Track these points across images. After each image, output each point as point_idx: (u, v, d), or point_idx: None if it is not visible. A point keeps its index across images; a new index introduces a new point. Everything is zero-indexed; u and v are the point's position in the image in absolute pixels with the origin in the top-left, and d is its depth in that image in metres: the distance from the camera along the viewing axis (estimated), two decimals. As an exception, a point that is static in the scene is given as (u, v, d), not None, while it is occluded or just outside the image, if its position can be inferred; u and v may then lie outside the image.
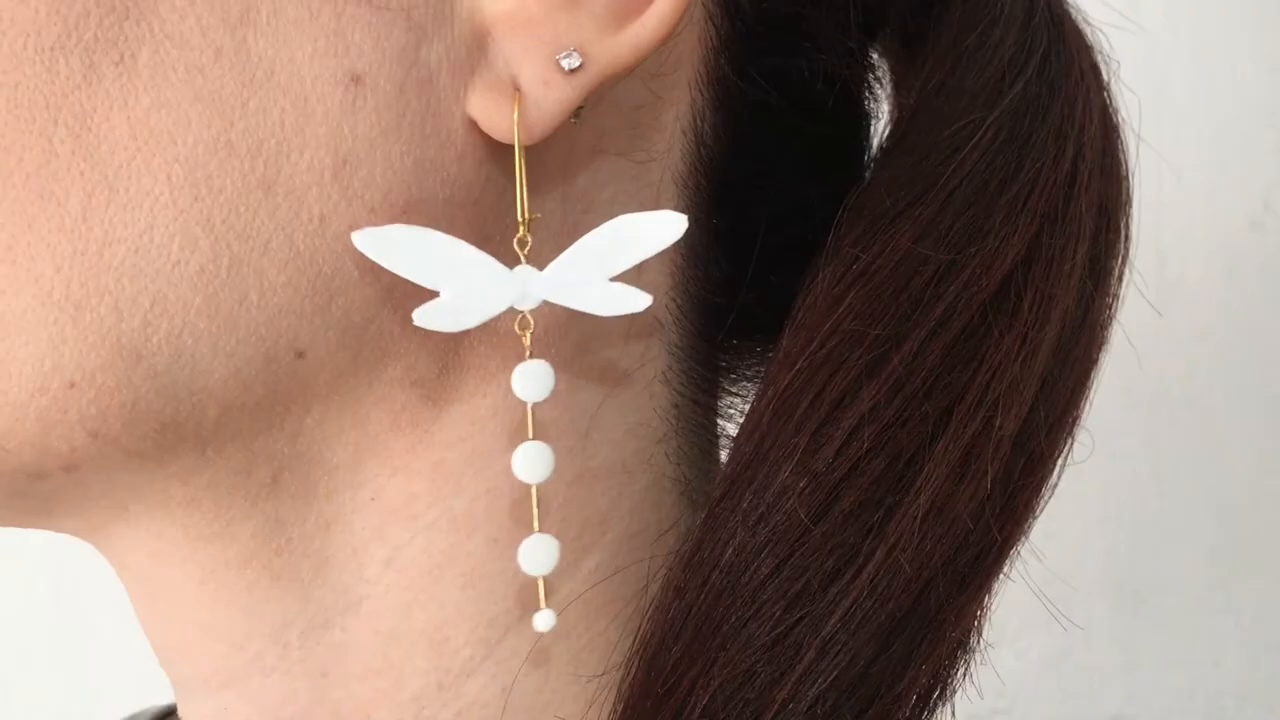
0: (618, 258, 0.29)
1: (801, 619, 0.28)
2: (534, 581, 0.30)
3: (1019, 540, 0.30)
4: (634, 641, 0.30)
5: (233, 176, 0.26)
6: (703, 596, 0.28)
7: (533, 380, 0.29)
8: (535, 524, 0.30)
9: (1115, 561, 0.82)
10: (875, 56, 0.36)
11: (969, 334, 0.29)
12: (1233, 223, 0.80)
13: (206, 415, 0.28)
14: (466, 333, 0.30)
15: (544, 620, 0.30)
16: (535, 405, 0.29)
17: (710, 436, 0.36)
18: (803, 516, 0.28)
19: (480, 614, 0.31)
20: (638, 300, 0.30)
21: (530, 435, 0.29)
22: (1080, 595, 0.81)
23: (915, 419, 0.28)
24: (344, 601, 0.31)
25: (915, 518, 0.28)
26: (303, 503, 0.30)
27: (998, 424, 0.29)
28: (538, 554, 0.30)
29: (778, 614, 0.28)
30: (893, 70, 0.36)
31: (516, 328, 0.29)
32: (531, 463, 0.29)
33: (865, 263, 0.30)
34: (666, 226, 0.29)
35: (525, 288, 0.29)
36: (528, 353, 0.29)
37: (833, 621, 0.28)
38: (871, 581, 0.28)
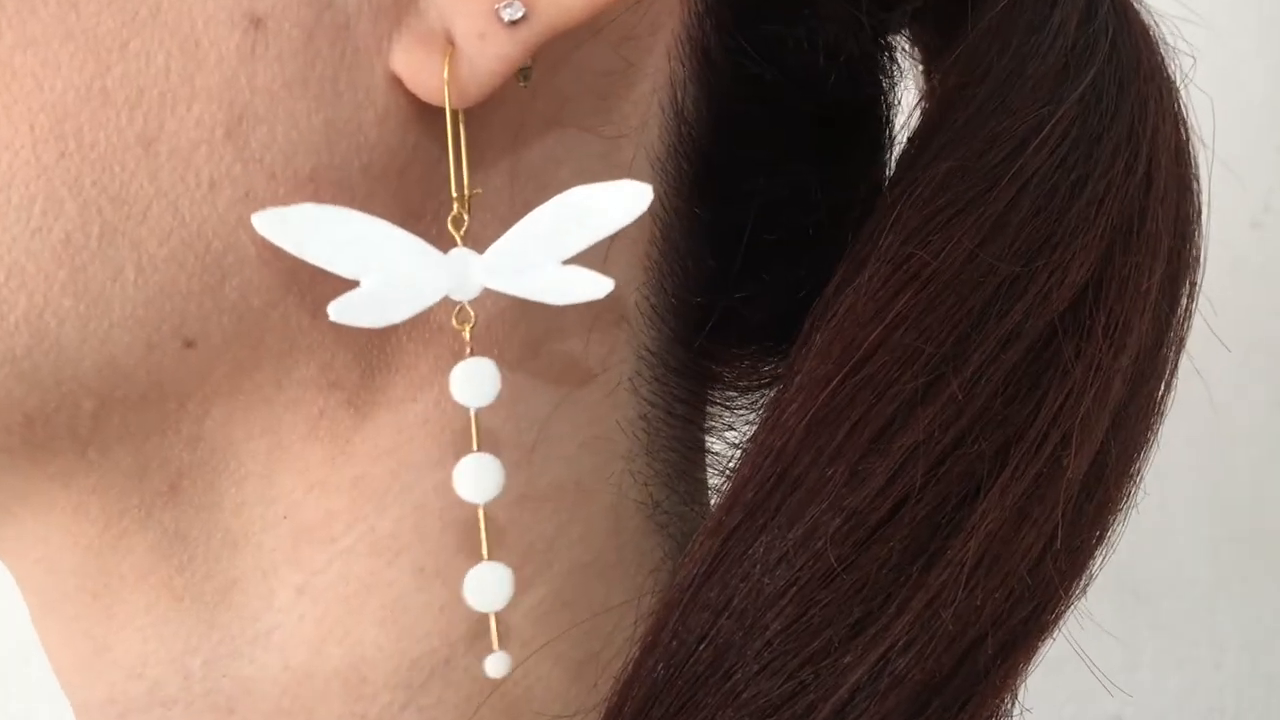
0: (570, 237, 0.25)
1: (818, 675, 0.24)
2: (465, 618, 0.27)
3: (1077, 596, 0.27)
4: (613, 689, 0.26)
5: (107, 130, 0.23)
6: (704, 645, 0.25)
7: (476, 382, 0.25)
8: (484, 550, 0.26)
9: (1115, 561, 0.81)
10: (895, 34, 0.32)
11: (1035, 359, 0.26)
12: (1233, 223, 0.80)
13: (81, 409, 0.25)
14: (393, 328, 0.26)
15: (496, 664, 0.26)
16: (478, 412, 0.26)
17: (689, 454, 0.32)
18: (832, 560, 0.24)
19: (402, 653, 0.27)
20: (597, 285, 0.26)
21: (475, 446, 0.25)
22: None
23: (971, 455, 0.25)
24: (252, 631, 0.27)
25: (963, 567, 0.24)
26: (207, 516, 0.27)
27: (1065, 464, 0.26)
28: (488, 585, 0.26)
29: (791, 668, 0.24)
30: (921, 50, 0.32)
31: (455, 321, 0.26)
32: (477, 479, 0.25)
33: (920, 263, 0.26)
34: (627, 199, 0.25)
35: (464, 274, 0.25)
36: (468, 349, 0.25)
37: (854, 679, 0.24)
38: (906, 638, 0.24)
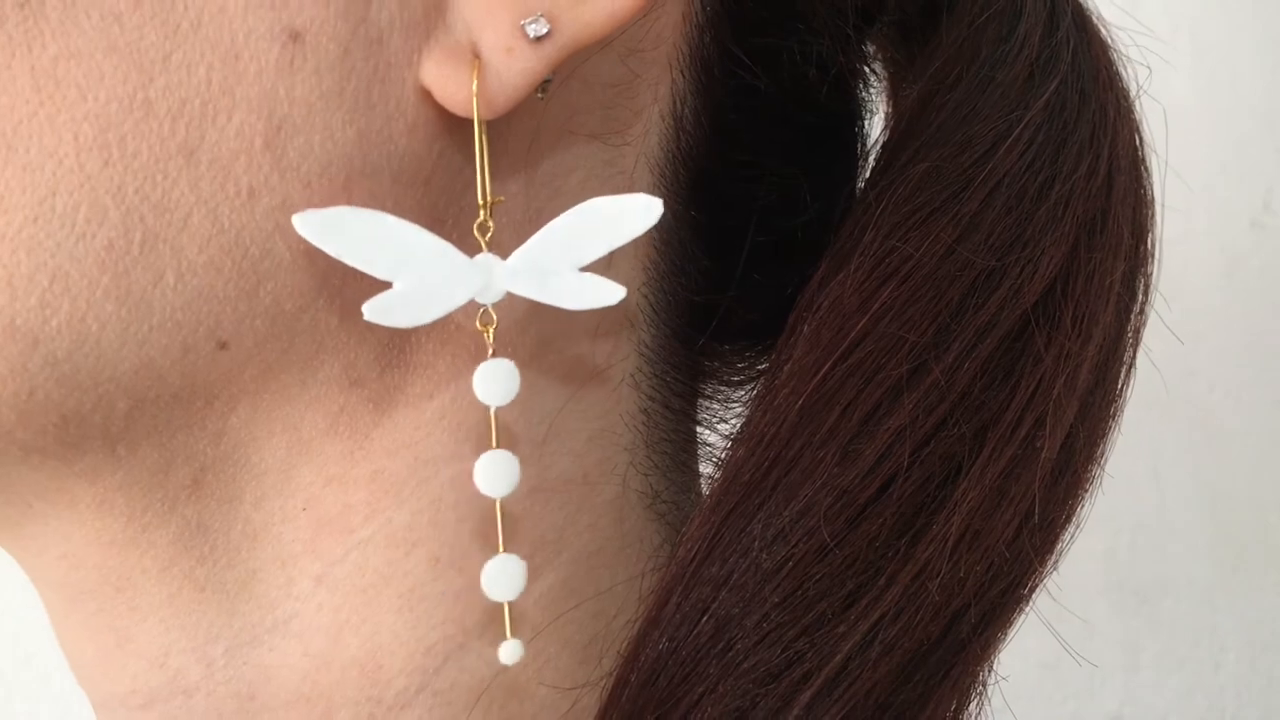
0: (588, 245, 0.26)
1: (814, 645, 0.25)
2: (478, 606, 0.28)
3: (1050, 568, 0.28)
4: (619, 663, 0.27)
5: (149, 140, 0.23)
6: (706, 618, 0.26)
7: (498, 382, 0.26)
8: (500, 543, 0.27)
9: (1115, 561, 0.82)
10: (871, 46, 0.34)
11: (1009, 348, 0.27)
12: (1233, 223, 0.80)
13: (115, 409, 0.25)
14: (415, 329, 0.27)
15: (510, 651, 0.27)
16: (484, 412, 0.27)
17: (685, 445, 0.33)
18: (826, 537, 0.26)
19: (417, 640, 0.28)
20: (611, 292, 0.27)
21: (494, 443, 0.27)
22: (1080, 595, 0.81)
23: (953, 436, 0.26)
24: (272, 619, 0.28)
25: (947, 541, 0.26)
26: (228, 508, 0.28)
27: (1040, 445, 0.27)
28: (503, 576, 0.27)
29: (789, 638, 0.25)
30: (890, 61, 0.34)
31: (478, 323, 0.27)
32: (496, 474, 0.27)
33: (901, 257, 0.27)
34: (641, 211, 0.27)
35: (489, 278, 0.26)
36: (490, 351, 0.26)
37: (848, 648, 0.25)
38: (895, 608, 0.26)
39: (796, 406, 0.27)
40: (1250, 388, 0.81)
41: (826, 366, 0.27)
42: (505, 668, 0.28)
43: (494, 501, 0.27)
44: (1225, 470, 0.81)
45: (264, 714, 0.29)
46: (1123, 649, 0.82)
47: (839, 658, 0.25)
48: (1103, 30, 0.32)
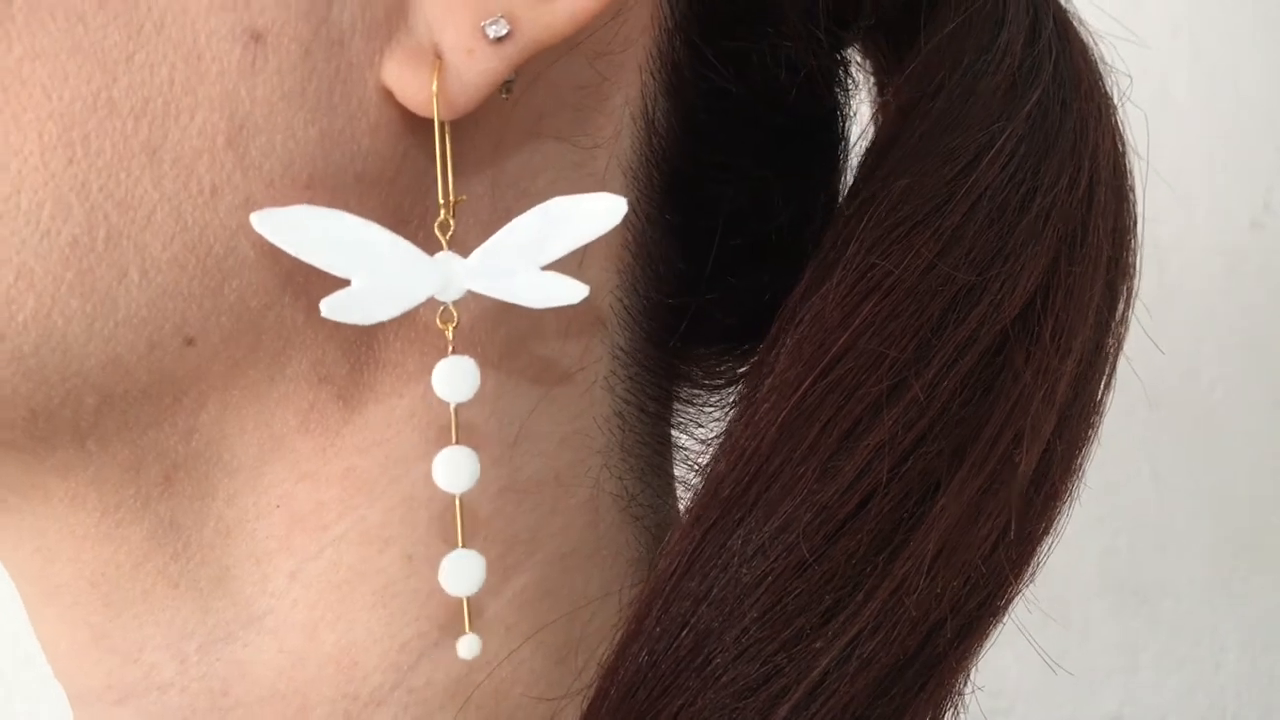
0: (550, 244, 0.26)
1: (792, 659, 0.26)
2: (452, 603, 0.28)
3: (1026, 582, 0.28)
4: (599, 675, 0.27)
5: (113, 138, 0.24)
6: (685, 632, 0.26)
7: (456, 378, 0.26)
8: (460, 538, 0.27)
9: (1115, 561, 0.82)
10: (849, 49, 0.33)
11: (989, 363, 0.27)
12: (1233, 223, 0.80)
13: (84, 404, 0.25)
14: (380, 326, 0.27)
15: (468, 646, 0.27)
16: (459, 407, 0.27)
17: (660, 449, 0.33)
18: (805, 552, 0.26)
19: (392, 637, 0.28)
20: (573, 291, 0.27)
21: (454, 439, 0.27)
22: (1080, 595, 0.81)
23: (931, 453, 0.26)
24: (246, 615, 0.28)
25: (924, 557, 0.26)
26: (200, 505, 0.28)
27: (1017, 461, 0.27)
28: (462, 572, 0.27)
29: (768, 653, 0.26)
30: (874, 65, 0.33)
31: (439, 321, 0.27)
32: (455, 470, 0.26)
33: (882, 272, 0.27)
34: (604, 211, 0.26)
35: (448, 277, 0.26)
36: (450, 348, 0.26)
37: (825, 662, 0.26)
38: (873, 623, 0.26)
39: (777, 422, 0.27)
40: (1250, 388, 0.81)
41: (807, 382, 0.27)
42: (482, 665, 0.29)
43: (475, 499, 0.28)
44: (1225, 470, 0.81)
45: (238, 710, 0.29)
46: (1122, 649, 0.82)
47: (816, 672, 0.26)
48: (1085, 35, 0.32)
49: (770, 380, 0.28)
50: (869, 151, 0.32)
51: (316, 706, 0.29)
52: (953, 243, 0.28)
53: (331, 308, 0.25)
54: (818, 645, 0.26)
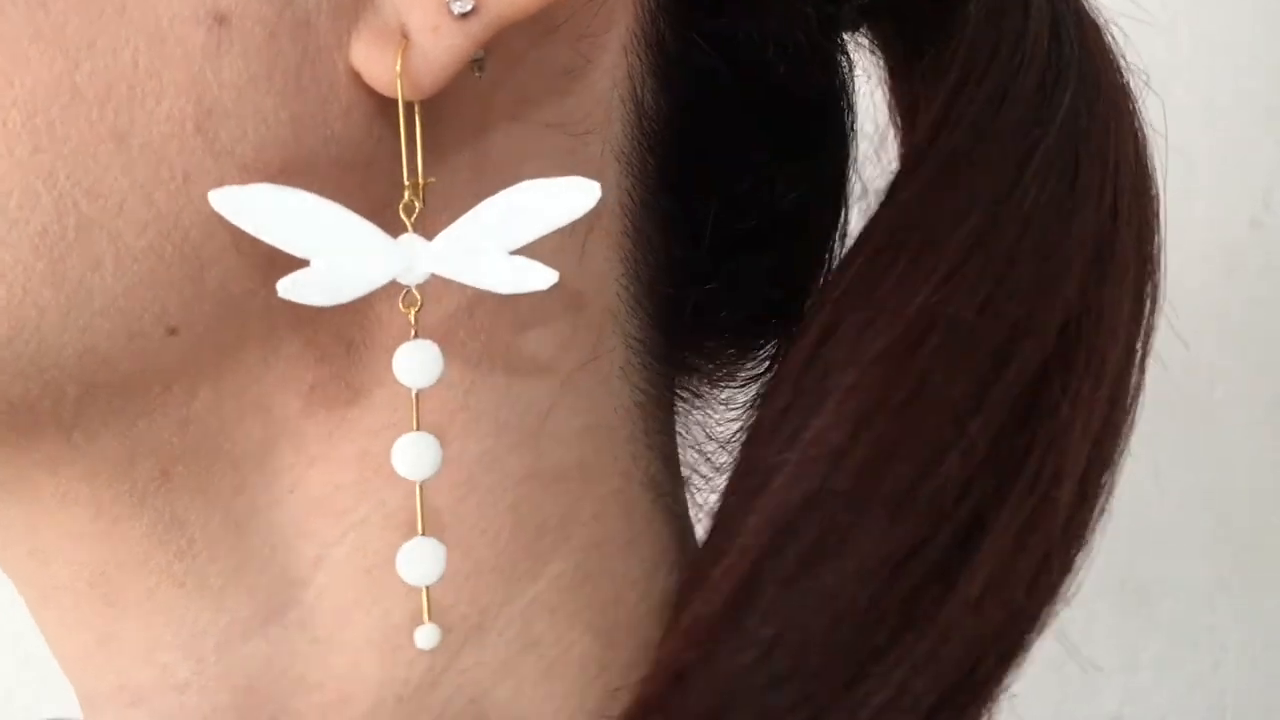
0: (519, 228, 0.26)
1: (844, 704, 0.25)
2: (493, 583, 0.28)
3: (1063, 599, 0.28)
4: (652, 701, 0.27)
5: (78, 125, 0.23)
6: (747, 674, 0.26)
7: (417, 364, 0.26)
8: (420, 526, 0.26)
9: (1115, 561, 0.81)
10: (848, 30, 0.32)
11: (1030, 399, 0.27)
12: (1233, 223, 0.80)
13: (65, 395, 0.25)
14: (372, 308, 0.27)
15: (427, 636, 0.27)
16: (474, 395, 0.26)
17: (671, 439, 0.33)
18: (866, 600, 0.26)
19: (437, 619, 0.28)
20: (541, 277, 0.26)
21: (415, 425, 0.26)
22: (1080, 595, 0.81)
23: (983, 492, 0.26)
24: (267, 609, 0.28)
25: (972, 595, 0.26)
26: (205, 500, 0.27)
27: (1058, 496, 0.27)
28: (421, 560, 0.26)
29: (821, 698, 0.25)
30: (885, 51, 0.32)
31: (401, 304, 0.26)
32: (412, 456, 0.26)
33: (937, 302, 0.26)
34: (575, 194, 0.26)
35: (412, 259, 0.25)
36: (413, 332, 0.26)
37: (877, 701, 0.25)
38: (923, 663, 0.26)
39: (856, 466, 0.26)
40: (1251, 387, 0.81)
41: (883, 424, 0.26)
42: (531, 644, 0.29)
43: (499, 484, 0.28)
44: (1225, 470, 0.81)
45: (268, 706, 0.28)
46: (1122, 649, 0.82)
47: (866, 712, 0.25)
48: (1100, 22, 0.31)
49: (832, 416, 0.27)
50: (905, 156, 0.31)
51: (362, 693, 0.28)
52: (1006, 273, 0.27)
53: (288, 287, 0.24)
54: (867, 686, 0.26)
